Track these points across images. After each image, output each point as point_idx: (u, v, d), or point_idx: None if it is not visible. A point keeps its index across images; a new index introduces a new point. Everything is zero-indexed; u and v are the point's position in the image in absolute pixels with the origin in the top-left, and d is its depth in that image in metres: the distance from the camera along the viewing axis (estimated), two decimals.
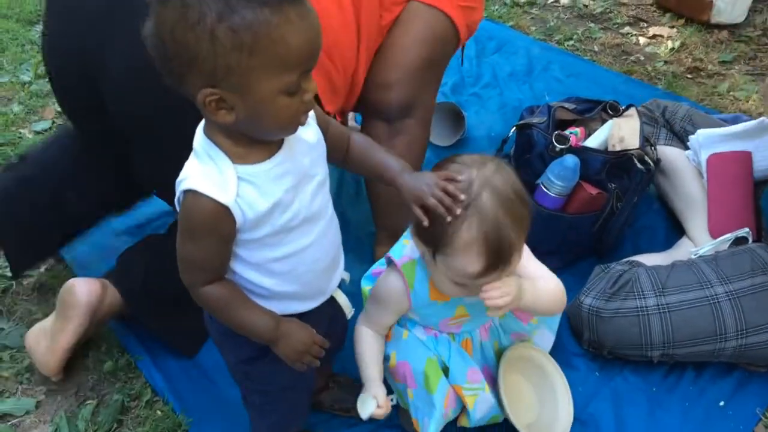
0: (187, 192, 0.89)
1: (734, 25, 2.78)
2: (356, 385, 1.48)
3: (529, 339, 1.42)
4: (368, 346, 1.33)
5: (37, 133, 2.27)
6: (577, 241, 1.72)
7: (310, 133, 1.00)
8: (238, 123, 0.86)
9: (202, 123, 0.94)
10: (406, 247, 1.28)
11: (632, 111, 1.83)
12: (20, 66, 2.63)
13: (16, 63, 2.65)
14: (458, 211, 1.02)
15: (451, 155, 1.15)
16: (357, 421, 1.44)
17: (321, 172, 1.03)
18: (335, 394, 1.47)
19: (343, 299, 1.19)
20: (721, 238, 1.64)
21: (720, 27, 2.78)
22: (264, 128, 0.89)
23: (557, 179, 1.61)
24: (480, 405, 1.31)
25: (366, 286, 1.48)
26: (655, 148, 1.77)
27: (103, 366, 1.56)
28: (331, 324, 1.22)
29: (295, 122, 0.91)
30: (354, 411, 1.45)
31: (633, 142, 1.71)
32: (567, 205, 1.66)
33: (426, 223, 1.05)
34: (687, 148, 1.87)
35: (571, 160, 1.60)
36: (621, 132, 1.76)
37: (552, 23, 2.89)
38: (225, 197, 0.89)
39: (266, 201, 0.93)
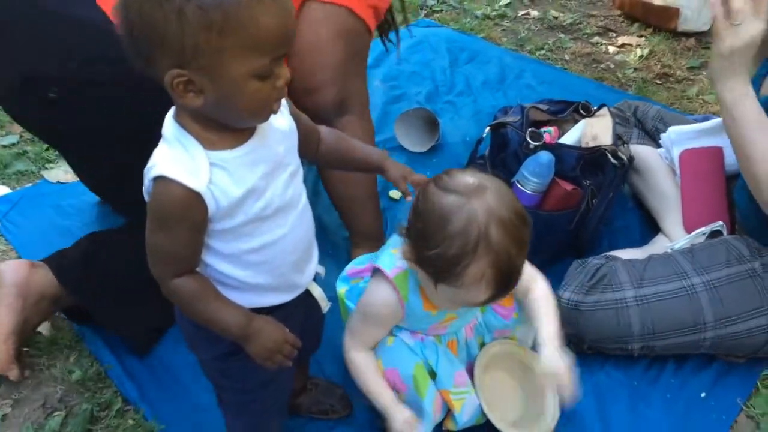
0: (157, 179, 0.86)
1: (701, 32, 2.84)
2: (334, 387, 1.45)
3: (513, 335, 1.40)
4: (371, 375, 1.28)
5: (4, 146, 2.22)
6: (555, 240, 1.71)
7: (283, 121, 0.98)
8: (206, 107, 0.83)
9: (172, 109, 0.91)
10: (395, 257, 1.22)
11: (604, 111, 1.84)
12: None
13: None
14: None
15: (439, 176, 1.10)
16: (335, 423, 1.42)
17: (294, 161, 1.01)
18: (313, 397, 1.43)
19: (318, 292, 1.15)
20: (695, 232, 1.64)
21: (687, 35, 2.83)
22: (234, 113, 0.86)
23: (532, 176, 1.61)
24: (467, 408, 1.29)
25: (342, 288, 1.45)
26: (627, 146, 1.78)
27: (72, 376, 1.50)
28: (307, 320, 1.19)
29: (266, 109, 0.88)
30: (332, 413, 1.42)
31: (606, 139, 1.72)
32: (543, 203, 1.66)
33: (409, 198, 1.04)
34: (659, 146, 1.89)
35: (545, 156, 1.60)
36: (594, 130, 1.77)
37: (523, 34, 2.92)
38: (197, 183, 0.85)
39: (239, 188, 0.90)
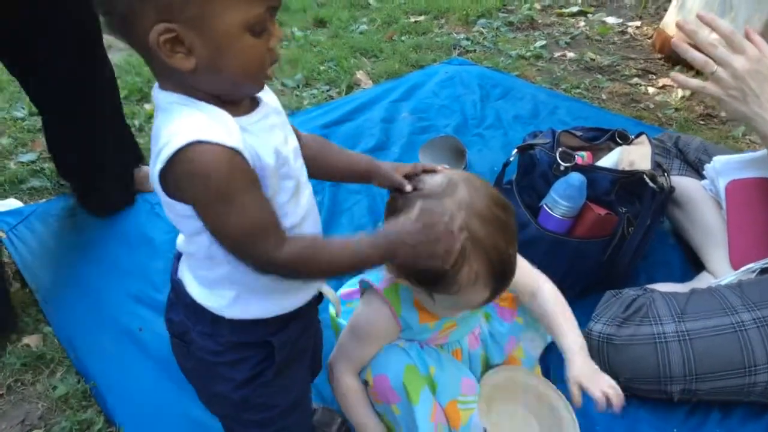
0: (186, 148, 0.72)
1: None
2: (333, 414, 1.31)
3: (519, 348, 1.26)
4: (359, 404, 1.18)
5: (23, 164, 2.19)
6: (585, 271, 1.56)
7: (272, 98, 0.89)
8: (198, 71, 0.74)
9: (156, 86, 0.81)
10: (382, 268, 1.13)
11: (643, 138, 1.72)
12: (15, 104, 2.58)
13: (12, 101, 2.61)
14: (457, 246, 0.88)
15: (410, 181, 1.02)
16: None
17: (294, 136, 0.92)
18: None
19: (332, 295, 1.05)
20: (744, 268, 1.48)
21: None
22: (228, 76, 0.76)
23: (562, 199, 1.48)
24: (477, 420, 1.16)
25: (334, 309, 1.34)
26: (668, 176, 1.64)
27: (55, 392, 1.40)
28: (316, 340, 1.10)
29: (261, 71, 0.79)
30: None
31: (644, 166, 1.59)
32: (573, 229, 1.52)
33: (409, 188, 0.96)
34: (702, 178, 1.74)
35: (576, 177, 1.48)
36: (631, 156, 1.64)
37: (558, 74, 2.83)
38: (234, 140, 0.74)
39: (269, 153, 0.80)
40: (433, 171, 1.02)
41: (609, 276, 1.60)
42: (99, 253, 1.78)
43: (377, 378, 1.14)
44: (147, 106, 2.53)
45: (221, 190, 0.75)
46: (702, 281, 1.57)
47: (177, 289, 0.94)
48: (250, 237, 0.78)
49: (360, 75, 2.78)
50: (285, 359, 0.96)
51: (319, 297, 1.04)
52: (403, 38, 3.16)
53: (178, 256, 0.97)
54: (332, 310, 1.33)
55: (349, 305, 1.33)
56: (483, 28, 3.29)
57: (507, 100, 2.58)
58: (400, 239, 0.84)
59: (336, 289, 1.40)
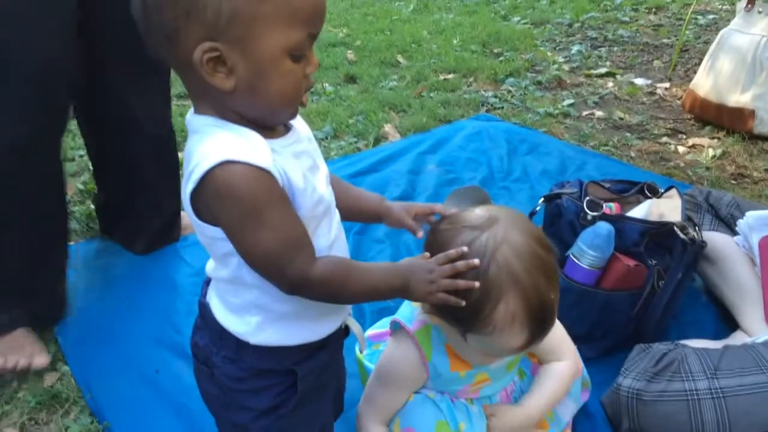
0: (216, 169, 0.73)
1: None
2: None
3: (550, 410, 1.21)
4: None
5: None
6: (614, 325, 1.51)
7: (303, 126, 0.91)
8: (237, 92, 0.76)
9: (191, 111, 0.83)
10: (415, 310, 1.11)
11: (673, 192, 1.69)
12: None
13: None
14: (476, 285, 0.88)
15: (448, 215, 1.01)
16: None
17: (324, 165, 0.93)
18: None
19: (357, 327, 1.03)
20: None
21: (763, 138, 2.67)
22: (266, 99, 0.78)
23: (589, 248, 1.45)
24: None
25: (358, 346, 1.31)
26: (700, 230, 1.60)
27: None
28: (340, 377, 1.09)
29: (297, 97, 0.81)
30: None
31: (674, 218, 1.56)
32: (601, 281, 1.49)
33: (420, 235, 0.93)
34: (735, 234, 1.70)
35: (604, 227, 1.45)
36: (660, 209, 1.61)
37: (586, 131, 2.83)
38: (263, 161, 0.75)
39: (299, 176, 0.81)
40: (439, 212, 1.01)
41: (639, 332, 1.54)
42: (122, 294, 1.78)
43: (405, 431, 1.10)
44: (180, 154, 2.57)
45: (251, 209, 0.75)
46: (736, 340, 1.51)
47: (204, 313, 0.94)
48: (283, 254, 0.78)
49: (388, 128, 2.80)
50: (307, 390, 0.94)
51: (345, 331, 1.03)
52: (431, 94, 3.20)
53: (208, 281, 0.97)
54: (358, 353, 1.30)
55: (376, 347, 1.30)
56: (511, 86, 3.32)
57: (534, 155, 2.57)
58: (410, 271, 0.86)
59: (367, 326, 1.37)
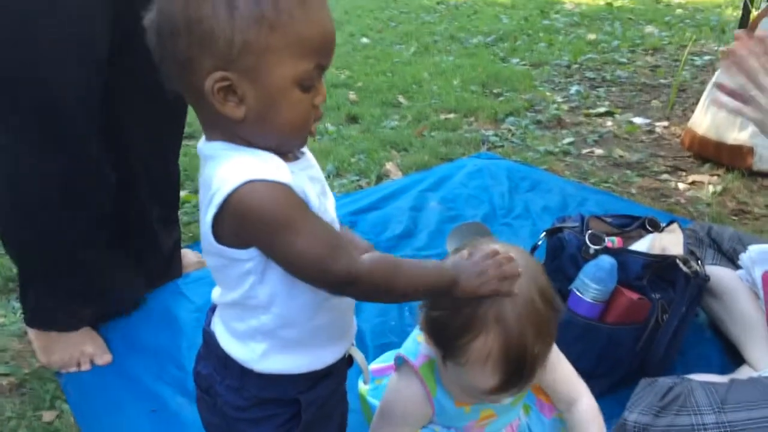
0: (239, 190, 0.75)
1: None
2: None
3: None
4: None
5: None
6: (619, 359, 1.50)
7: (311, 158, 0.93)
8: (246, 121, 0.77)
9: (202, 140, 0.85)
10: (420, 345, 1.10)
11: (674, 227, 1.70)
12: None
13: None
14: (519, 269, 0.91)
15: (465, 245, 1.00)
16: None
17: (331, 195, 0.94)
18: None
19: (360, 356, 1.03)
20: None
21: (763, 174, 2.69)
22: (275, 127, 0.80)
23: (592, 281, 1.45)
24: None
25: (365, 386, 1.29)
26: (702, 265, 1.60)
27: None
28: (343, 411, 1.08)
29: (306, 125, 0.82)
30: None
31: (676, 252, 1.56)
32: (605, 315, 1.48)
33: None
34: (738, 268, 1.70)
35: (607, 260, 1.45)
36: (663, 243, 1.61)
37: (587, 169, 2.85)
38: (284, 177, 0.77)
39: (314, 196, 0.83)
40: None
41: (644, 367, 1.53)
42: (122, 331, 1.76)
43: None
44: (182, 193, 2.59)
45: (284, 220, 0.77)
46: (742, 374, 1.50)
47: (208, 340, 0.94)
48: (326, 255, 0.78)
49: (390, 166, 2.83)
50: (311, 421, 0.93)
51: (349, 360, 1.02)
52: (432, 134, 3.23)
53: (213, 309, 0.97)
54: (361, 387, 1.28)
55: (379, 381, 1.28)
56: (511, 125, 3.35)
57: (535, 192, 2.59)
58: (458, 268, 0.88)
59: (370, 360, 1.36)
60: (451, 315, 0.92)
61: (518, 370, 0.92)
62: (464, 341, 0.91)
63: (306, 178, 0.85)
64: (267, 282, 0.85)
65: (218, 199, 0.76)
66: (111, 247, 1.69)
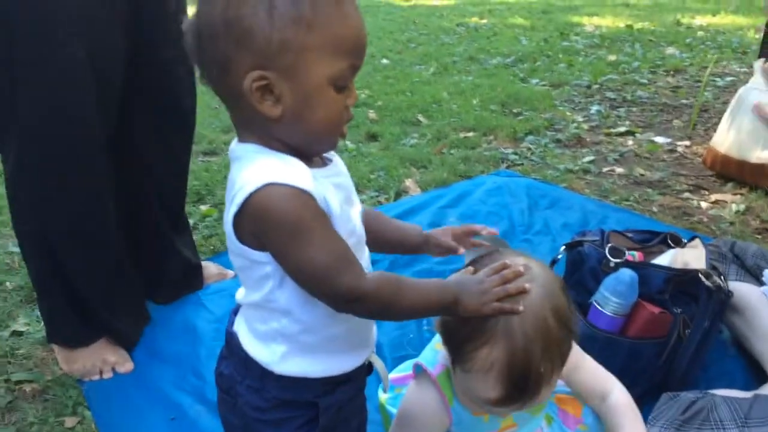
0: (259, 191, 0.77)
1: None
2: None
3: None
4: None
5: None
6: (641, 374, 1.48)
7: (341, 163, 0.95)
8: (283, 119, 0.80)
9: (235, 141, 0.87)
10: (438, 353, 1.10)
11: (696, 242, 1.69)
12: None
13: None
14: (527, 287, 0.89)
15: (490, 254, 1.01)
16: None
17: (358, 203, 0.96)
18: None
19: (380, 364, 1.04)
20: None
21: None
22: (309, 126, 0.81)
23: (612, 295, 1.44)
24: None
25: (385, 395, 1.29)
26: (725, 280, 1.58)
27: None
28: (362, 417, 1.07)
29: (339, 125, 0.84)
30: None
31: (698, 267, 1.54)
32: (626, 328, 1.47)
33: (462, 250, 0.98)
34: (761, 284, 1.68)
35: (627, 273, 1.44)
36: (685, 258, 1.60)
37: (607, 187, 2.84)
38: (306, 184, 0.79)
39: (336, 204, 0.84)
40: (476, 232, 1.02)
41: (666, 382, 1.51)
42: (143, 341, 1.78)
43: None
44: (202, 207, 2.62)
45: (297, 227, 0.78)
46: (766, 390, 1.47)
47: (230, 341, 0.95)
48: (332, 270, 0.79)
49: (409, 183, 2.84)
50: (329, 425, 0.93)
51: (369, 368, 1.02)
52: (451, 151, 3.25)
53: (236, 311, 0.98)
54: (381, 396, 1.28)
55: (398, 390, 1.28)
56: (531, 144, 3.36)
57: (555, 210, 2.58)
58: (461, 285, 0.87)
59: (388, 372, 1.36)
60: (463, 322, 0.91)
61: (521, 386, 0.91)
62: (470, 348, 0.91)
63: (330, 185, 0.86)
64: (285, 287, 0.86)
65: (239, 199, 0.78)
66: (120, 263, 1.70)
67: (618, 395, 1.17)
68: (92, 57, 1.40)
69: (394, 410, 1.23)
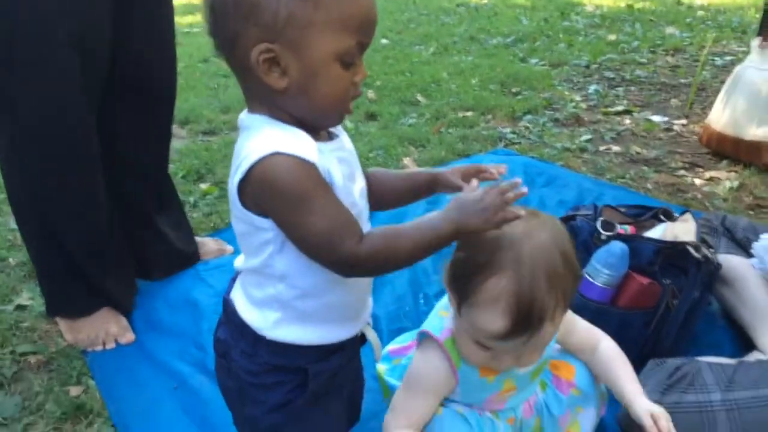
0: (264, 160, 0.80)
1: None
2: None
3: (576, 422, 1.22)
4: None
5: None
6: (630, 344, 1.50)
7: (347, 140, 0.97)
8: (289, 91, 0.82)
9: (244, 111, 0.90)
10: (445, 320, 1.13)
11: (687, 216, 1.72)
12: None
13: None
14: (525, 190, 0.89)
15: None
16: None
17: (362, 179, 0.98)
18: None
19: (373, 335, 1.07)
20: None
21: None
22: (314, 99, 0.84)
23: (603, 267, 1.47)
24: None
25: (383, 366, 1.33)
26: (715, 253, 1.61)
27: None
28: (356, 383, 1.12)
29: (344, 100, 0.87)
30: None
31: (688, 239, 1.57)
32: (616, 299, 1.50)
33: (473, 184, 0.93)
34: (750, 257, 1.71)
35: (618, 245, 1.48)
36: (675, 231, 1.63)
37: (603, 165, 2.87)
38: (310, 155, 0.81)
39: (339, 176, 0.87)
40: (483, 171, 1.02)
41: (655, 352, 1.55)
42: (144, 314, 1.82)
43: None
44: (202, 186, 2.65)
45: (300, 196, 0.80)
46: (751, 358, 1.51)
47: (227, 308, 0.99)
48: (334, 236, 0.82)
49: (407, 161, 2.87)
50: (318, 390, 0.97)
51: (362, 339, 1.06)
52: (450, 131, 3.27)
53: (233, 279, 1.02)
54: (378, 367, 1.31)
55: (397, 362, 1.31)
56: (529, 123, 3.38)
57: (551, 187, 2.61)
58: (460, 210, 0.86)
59: (384, 344, 1.39)
60: (472, 253, 0.95)
61: (526, 317, 0.94)
62: (479, 278, 0.94)
63: (334, 158, 0.88)
64: (285, 253, 0.89)
65: (245, 166, 0.81)
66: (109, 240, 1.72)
67: (607, 344, 1.22)
68: (82, 37, 1.42)
69: (392, 381, 1.26)
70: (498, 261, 0.93)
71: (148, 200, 1.88)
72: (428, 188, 1.08)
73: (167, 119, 1.83)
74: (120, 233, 1.78)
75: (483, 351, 1.04)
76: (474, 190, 0.91)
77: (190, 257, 2.02)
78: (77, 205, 1.60)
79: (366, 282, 1.01)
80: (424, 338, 1.15)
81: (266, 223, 0.86)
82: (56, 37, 1.38)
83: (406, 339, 1.40)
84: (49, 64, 1.41)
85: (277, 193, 0.81)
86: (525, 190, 0.88)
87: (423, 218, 0.87)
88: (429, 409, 1.13)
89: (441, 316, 1.14)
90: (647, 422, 1.08)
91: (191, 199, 2.52)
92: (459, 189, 1.04)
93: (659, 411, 1.09)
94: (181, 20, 5.86)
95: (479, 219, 0.85)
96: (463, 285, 0.98)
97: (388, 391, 1.28)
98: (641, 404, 1.12)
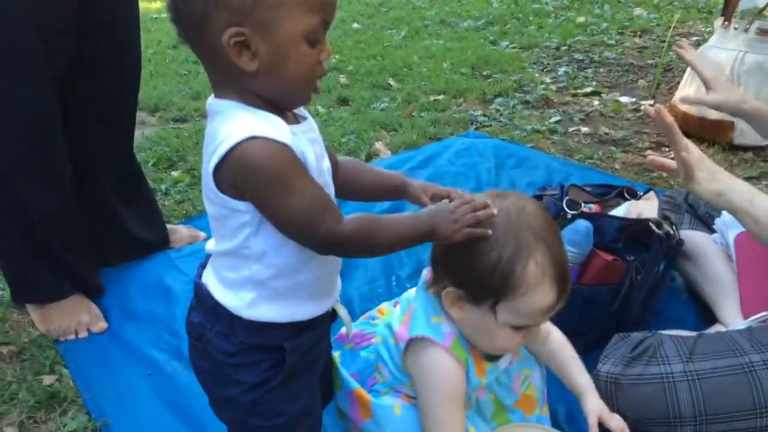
0: (241, 144, 0.81)
1: (759, 147, 2.76)
2: None
3: (531, 385, 1.26)
4: None
5: None
6: (596, 320, 1.56)
7: (313, 123, 0.99)
8: (258, 74, 0.84)
9: (211, 97, 0.91)
10: (441, 325, 1.12)
11: (651, 195, 1.76)
12: None
13: None
14: (495, 212, 0.97)
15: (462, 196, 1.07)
16: None
17: (328, 162, 1.00)
18: None
19: (344, 311, 1.10)
20: (754, 317, 1.47)
21: (744, 148, 2.75)
22: (284, 79, 0.86)
23: (569, 245, 1.50)
24: None
25: (335, 353, 1.30)
26: (677, 229, 1.66)
27: (65, 428, 1.41)
28: (327, 359, 1.13)
29: (312, 79, 0.89)
30: None
31: (651, 217, 1.62)
32: (582, 276, 1.54)
33: (427, 202, 1.04)
34: (713, 232, 1.76)
35: (583, 224, 1.51)
36: (639, 209, 1.67)
37: (572, 146, 2.91)
38: (284, 137, 0.84)
39: (313, 158, 0.90)
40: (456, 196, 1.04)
41: (619, 327, 1.59)
42: (117, 302, 1.82)
43: None
44: (174, 173, 2.64)
45: (278, 178, 0.83)
46: (712, 330, 1.56)
47: (199, 292, 1.00)
48: (314, 216, 0.85)
49: (379, 146, 2.88)
50: (295, 366, 0.99)
51: (333, 315, 1.08)
52: (421, 114, 3.28)
53: (203, 264, 1.03)
54: (334, 355, 1.31)
55: (348, 346, 1.30)
56: (500, 106, 3.41)
57: (521, 169, 2.64)
58: (434, 215, 0.94)
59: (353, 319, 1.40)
60: (499, 256, 0.98)
61: (565, 277, 1.03)
62: (518, 273, 0.98)
63: (306, 140, 0.91)
64: (261, 235, 0.91)
65: (222, 150, 0.82)
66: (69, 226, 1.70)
67: (556, 334, 1.27)
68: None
69: (344, 372, 1.25)
70: (523, 243, 0.98)
71: (107, 184, 1.86)
72: (396, 194, 1.13)
73: (133, 102, 1.82)
74: (79, 215, 1.75)
75: (517, 334, 1.06)
76: (445, 203, 0.99)
77: (151, 244, 2.01)
78: (43, 178, 1.58)
79: (336, 259, 1.03)
80: (427, 346, 1.11)
81: (243, 205, 0.88)
82: (16, 8, 1.38)
83: (366, 325, 1.37)
84: (8, 33, 1.40)
85: (257, 177, 0.83)
86: (495, 211, 0.97)
87: (401, 214, 0.94)
88: (463, 416, 1.12)
89: (435, 323, 1.12)
90: (592, 421, 1.16)
91: (162, 187, 2.51)
92: (424, 205, 1.09)
93: (608, 414, 1.18)
94: (149, 6, 5.78)
95: (449, 228, 0.93)
96: (503, 285, 1.00)
97: (339, 379, 1.26)
98: (593, 401, 1.19)
